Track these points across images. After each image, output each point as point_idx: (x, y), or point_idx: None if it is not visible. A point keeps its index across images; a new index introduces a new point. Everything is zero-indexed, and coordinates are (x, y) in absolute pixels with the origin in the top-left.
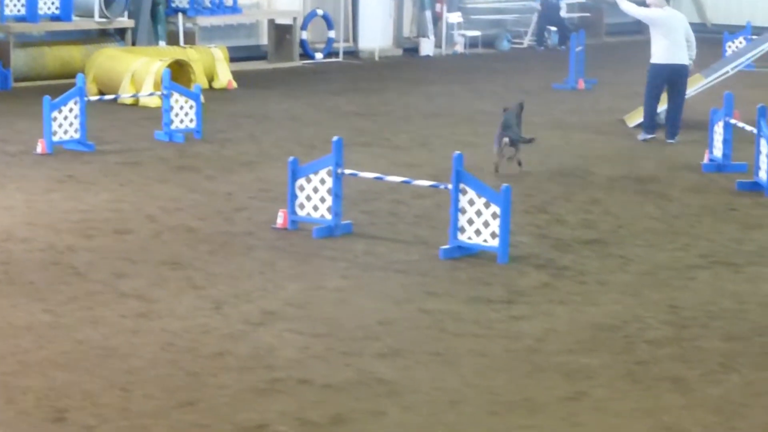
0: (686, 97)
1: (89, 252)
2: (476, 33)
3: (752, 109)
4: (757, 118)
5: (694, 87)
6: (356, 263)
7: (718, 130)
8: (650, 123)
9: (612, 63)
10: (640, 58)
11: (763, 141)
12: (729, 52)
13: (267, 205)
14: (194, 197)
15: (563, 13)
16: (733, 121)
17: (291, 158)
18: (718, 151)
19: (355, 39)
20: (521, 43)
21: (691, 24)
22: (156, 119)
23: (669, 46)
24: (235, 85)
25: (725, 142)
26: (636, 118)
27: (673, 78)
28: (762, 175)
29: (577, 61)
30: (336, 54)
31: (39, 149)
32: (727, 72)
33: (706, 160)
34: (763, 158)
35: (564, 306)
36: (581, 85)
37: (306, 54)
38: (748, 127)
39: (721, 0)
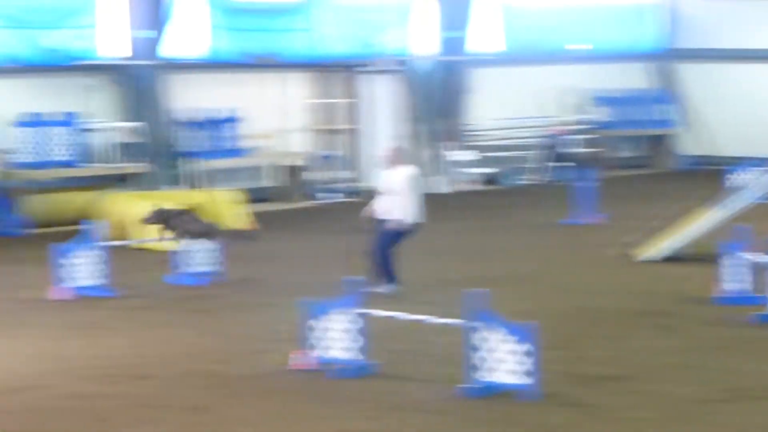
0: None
1: (113, 398)
2: (485, 170)
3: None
4: None
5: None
6: (380, 404)
7: (731, 262)
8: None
9: (621, 197)
10: (649, 192)
11: None
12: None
13: (285, 347)
14: (213, 340)
15: (572, 149)
16: (747, 254)
17: (306, 299)
18: (731, 284)
19: (361, 179)
20: (531, 179)
21: None
22: (171, 263)
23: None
24: (252, 226)
25: (737, 274)
26: (647, 251)
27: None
28: None
29: (587, 196)
30: (344, 194)
31: (55, 295)
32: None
33: (718, 293)
34: None
35: None
36: (590, 219)
37: (313, 195)
38: (764, 259)
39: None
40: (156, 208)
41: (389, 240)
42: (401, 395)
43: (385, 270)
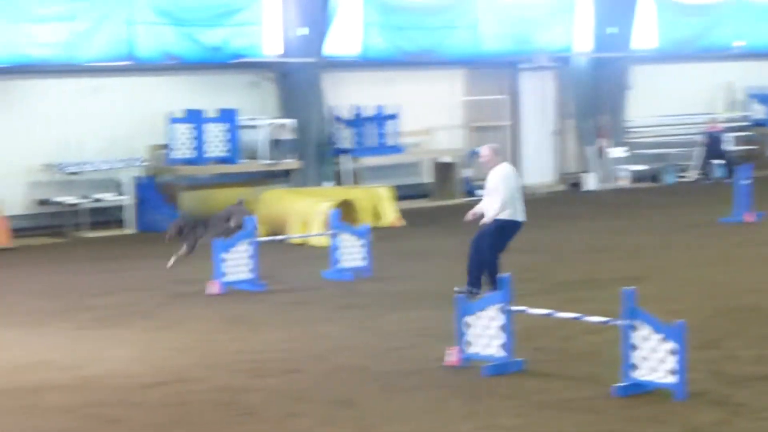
0: None
1: (261, 392)
2: (640, 167)
3: None
4: None
5: None
6: (529, 401)
7: None
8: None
9: None
10: None
11: None
12: None
13: (436, 343)
14: (363, 335)
15: (728, 146)
16: None
17: (459, 295)
18: None
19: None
20: (686, 177)
21: None
22: (324, 258)
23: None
24: (402, 222)
25: None
26: None
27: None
28: None
29: (743, 194)
30: None
31: (211, 290)
32: None
33: None
34: None
35: None
36: (748, 218)
37: (468, 191)
38: None
39: None
40: (178, 219)
41: (493, 240)
42: (548, 393)
43: (490, 270)
